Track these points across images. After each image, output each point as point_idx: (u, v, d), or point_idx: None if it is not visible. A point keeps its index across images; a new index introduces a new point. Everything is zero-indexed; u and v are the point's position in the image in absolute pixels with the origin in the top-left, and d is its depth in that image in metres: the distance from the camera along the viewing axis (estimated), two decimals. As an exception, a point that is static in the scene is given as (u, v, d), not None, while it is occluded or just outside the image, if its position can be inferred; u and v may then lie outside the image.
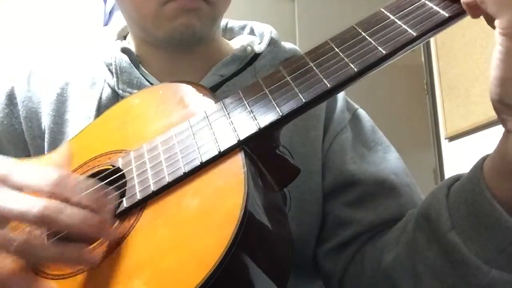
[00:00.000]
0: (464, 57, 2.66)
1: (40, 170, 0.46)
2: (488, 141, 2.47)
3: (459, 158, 2.73)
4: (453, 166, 2.78)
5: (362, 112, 0.76)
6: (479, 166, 0.49)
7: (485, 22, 0.46)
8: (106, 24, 2.20)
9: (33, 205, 0.42)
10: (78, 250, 0.44)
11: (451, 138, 2.78)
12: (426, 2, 0.47)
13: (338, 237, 0.66)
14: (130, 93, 0.68)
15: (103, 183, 0.52)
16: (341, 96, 0.74)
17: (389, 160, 0.71)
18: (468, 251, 0.48)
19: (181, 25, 0.64)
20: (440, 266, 0.51)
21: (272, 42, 0.75)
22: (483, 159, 0.49)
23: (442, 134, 2.85)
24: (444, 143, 2.85)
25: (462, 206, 0.49)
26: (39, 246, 0.43)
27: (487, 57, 2.48)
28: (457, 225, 0.49)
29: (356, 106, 0.76)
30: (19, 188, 0.45)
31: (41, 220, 0.42)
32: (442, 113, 2.84)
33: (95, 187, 0.47)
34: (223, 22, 0.81)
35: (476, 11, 0.44)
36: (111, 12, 2.21)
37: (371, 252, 0.62)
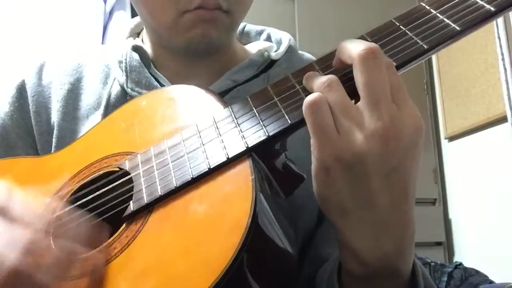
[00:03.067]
0: (464, 57, 2.66)
1: (35, 207, 0.47)
2: (488, 141, 2.48)
3: (459, 158, 2.73)
4: (453, 166, 2.79)
5: None
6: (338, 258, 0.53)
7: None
8: (106, 24, 2.20)
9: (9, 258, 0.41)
10: None
11: (451, 138, 2.79)
12: None
13: (304, 271, 0.65)
14: (139, 93, 0.68)
15: (110, 186, 0.52)
16: None
17: None
18: None
19: (198, 35, 0.63)
20: None
21: (290, 50, 0.74)
22: None
23: (442, 134, 2.85)
24: (444, 143, 2.86)
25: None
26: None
27: (487, 57, 2.49)
28: None
29: None
30: (15, 220, 0.45)
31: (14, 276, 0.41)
32: (442, 113, 2.84)
33: (85, 220, 0.47)
34: (240, 26, 0.79)
35: None
36: (111, 12, 2.20)
37: None
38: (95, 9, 2.19)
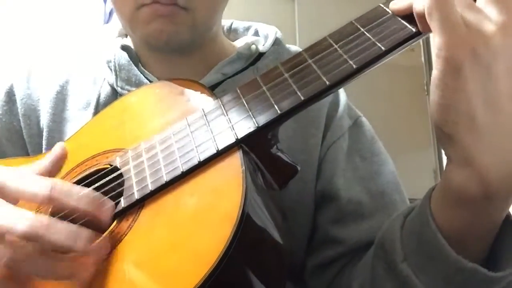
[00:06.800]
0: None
1: (35, 178, 0.46)
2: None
3: (459, 158, 2.72)
4: (453, 166, 2.77)
5: (364, 120, 0.74)
6: (428, 196, 0.49)
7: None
8: (106, 24, 2.20)
9: (19, 220, 0.42)
10: (71, 267, 0.43)
11: (452, 138, 2.77)
12: None
13: (320, 255, 0.65)
14: (129, 91, 0.68)
15: (100, 182, 0.52)
16: (343, 102, 0.73)
17: (382, 174, 0.69)
18: (418, 282, 0.48)
19: (154, 30, 0.62)
20: None
21: (277, 43, 0.74)
22: (432, 188, 0.49)
23: (443, 134, 2.84)
24: (444, 143, 2.85)
25: (413, 237, 0.49)
26: (26, 263, 0.42)
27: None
28: (408, 257, 0.49)
29: (359, 113, 0.74)
30: (14, 197, 0.45)
31: (27, 237, 0.41)
32: (442, 113, 2.83)
33: (89, 191, 0.47)
34: (227, 23, 0.80)
35: (426, 25, 0.43)
36: (111, 12, 2.20)
37: (348, 277, 0.61)
38: (95, 9, 2.20)
